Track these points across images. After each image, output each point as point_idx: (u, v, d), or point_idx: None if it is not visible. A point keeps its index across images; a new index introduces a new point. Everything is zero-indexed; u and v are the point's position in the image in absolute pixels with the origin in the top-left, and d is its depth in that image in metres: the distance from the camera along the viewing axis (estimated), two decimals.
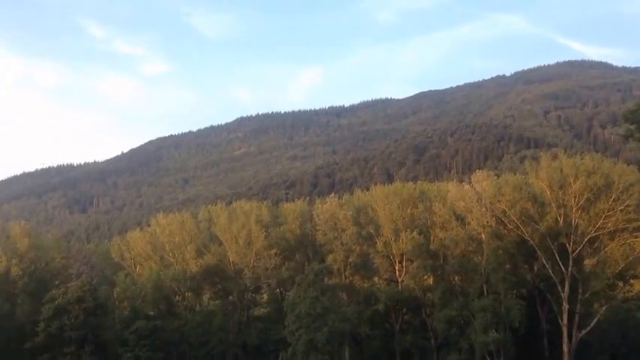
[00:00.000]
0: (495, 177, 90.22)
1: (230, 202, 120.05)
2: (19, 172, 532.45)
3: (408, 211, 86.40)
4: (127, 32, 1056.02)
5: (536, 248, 79.04)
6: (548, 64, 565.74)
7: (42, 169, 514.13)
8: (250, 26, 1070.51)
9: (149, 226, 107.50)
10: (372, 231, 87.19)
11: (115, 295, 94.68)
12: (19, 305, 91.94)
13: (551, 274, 78.30)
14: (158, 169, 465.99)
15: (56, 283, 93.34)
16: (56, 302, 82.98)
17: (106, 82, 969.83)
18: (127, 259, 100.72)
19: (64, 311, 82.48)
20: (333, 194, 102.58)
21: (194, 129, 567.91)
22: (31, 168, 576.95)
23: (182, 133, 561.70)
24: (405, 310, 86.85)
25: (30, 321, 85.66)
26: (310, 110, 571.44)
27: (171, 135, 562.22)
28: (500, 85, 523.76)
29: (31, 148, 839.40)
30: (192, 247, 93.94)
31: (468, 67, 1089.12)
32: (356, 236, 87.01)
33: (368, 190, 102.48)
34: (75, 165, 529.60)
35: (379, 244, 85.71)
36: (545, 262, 78.77)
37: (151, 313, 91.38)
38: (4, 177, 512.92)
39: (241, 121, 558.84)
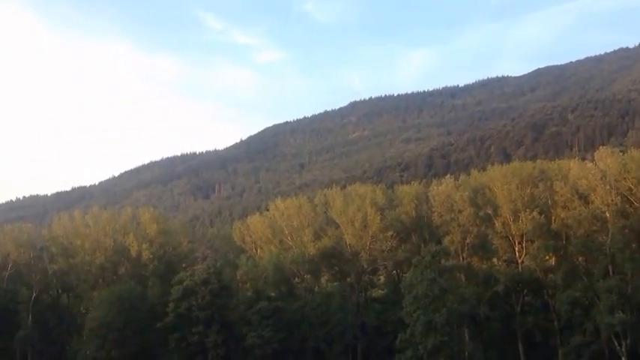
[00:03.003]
0: (620, 153, 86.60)
1: (345, 186, 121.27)
2: (146, 161, 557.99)
3: (528, 190, 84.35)
4: (242, 23, 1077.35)
5: None
6: None
7: (167, 158, 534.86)
8: (360, 9, 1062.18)
9: (268, 210, 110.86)
10: (489, 212, 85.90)
11: (237, 277, 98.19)
12: (150, 287, 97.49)
13: None
14: (275, 155, 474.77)
15: (183, 265, 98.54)
16: (184, 284, 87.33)
17: (224, 72, 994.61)
18: (248, 242, 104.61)
19: (191, 292, 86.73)
20: (448, 175, 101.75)
21: (308, 115, 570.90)
22: (157, 157, 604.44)
23: (297, 120, 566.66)
24: (525, 291, 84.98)
25: (160, 302, 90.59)
26: (424, 92, 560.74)
27: (287, 121, 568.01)
28: (623, 58, 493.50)
29: (157, 139, 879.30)
30: (310, 230, 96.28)
31: (588, 40, 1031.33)
32: (473, 217, 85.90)
33: (485, 170, 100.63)
34: (197, 153, 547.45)
35: (498, 225, 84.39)
36: None
37: (272, 294, 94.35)
38: (133, 166, 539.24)
39: (355, 105, 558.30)
